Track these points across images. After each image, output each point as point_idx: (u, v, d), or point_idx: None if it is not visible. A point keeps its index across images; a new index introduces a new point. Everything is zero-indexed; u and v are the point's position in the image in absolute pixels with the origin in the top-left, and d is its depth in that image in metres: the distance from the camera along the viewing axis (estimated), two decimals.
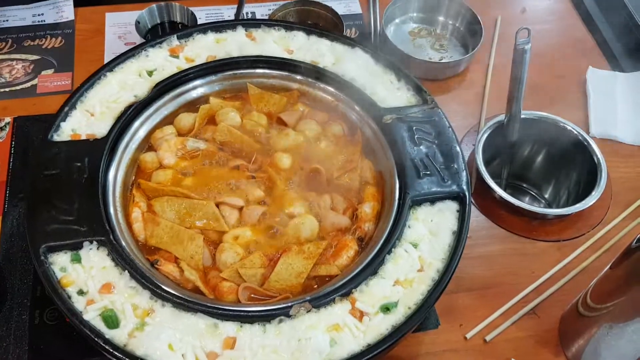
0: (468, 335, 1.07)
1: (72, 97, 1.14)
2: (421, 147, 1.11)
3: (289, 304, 0.93)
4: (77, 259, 0.95)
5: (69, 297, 0.92)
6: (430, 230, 1.03)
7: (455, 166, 1.09)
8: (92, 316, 0.90)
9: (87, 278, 0.94)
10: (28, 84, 1.35)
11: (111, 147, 1.09)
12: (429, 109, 1.17)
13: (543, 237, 1.21)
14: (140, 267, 0.96)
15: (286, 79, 1.25)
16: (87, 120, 1.12)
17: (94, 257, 0.96)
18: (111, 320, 0.90)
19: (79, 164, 1.04)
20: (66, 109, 1.12)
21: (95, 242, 0.96)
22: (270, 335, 0.90)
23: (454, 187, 1.07)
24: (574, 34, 1.60)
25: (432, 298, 0.95)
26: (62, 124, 1.11)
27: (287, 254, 1.01)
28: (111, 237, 0.97)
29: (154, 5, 1.41)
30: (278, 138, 1.17)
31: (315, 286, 1.01)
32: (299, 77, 1.24)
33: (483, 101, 1.42)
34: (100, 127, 1.11)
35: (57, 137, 1.09)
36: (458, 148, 1.12)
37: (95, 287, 0.93)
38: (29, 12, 1.49)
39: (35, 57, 1.41)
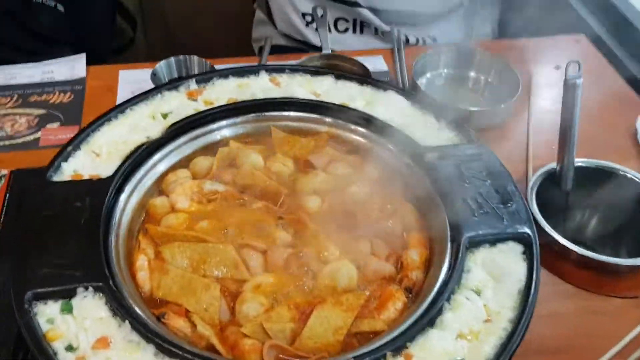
0: None
1: (77, 137, 1.02)
2: (471, 185, 0.97)
3: None
4: (68, 309, 0.78)
5: (55, 354, 0.74)
6: (492, 275, 0.86)
7: (514, 205, 0.94)
8: None
9: (79, 331, 0.76)
10: (30, 137, 1.24)
11: (117, 189, 0.95)
12: (475, 147, 1.04)
13: (617, 293, 1.03)
14: (144, 318, 0.79)
15: (314, 122, 1.13)
16: (92, 161, 0.99)
17: (89, 306, 0.79)
18: None
19: (78, 205, 0.90)
20: (69, 148, 0.99)
21: (91, 289, 0.80)
22: None
23: (517, 227, 0.91)
24: (612, 86, 1.50)
25: (508, 352, 0.76)
26: (63, 165, 0.98)
27: (322, 306, 0.84)
28: (110, 282, 0.81)
29: (172, 58, 1.33)
30: (306, 180, 1.03)
31: (358, 345, 0.82)
32: (328, 119, 1.12)
33: (528, 150, 1.29)
34: (106, 169, 0.97)
35: (56, 178, 0.96)
36: (514, 187, 0.98)
37: (88, 341, 0.75)
38: (39, 69, 1.41)
39: (41, 111, 1.31)
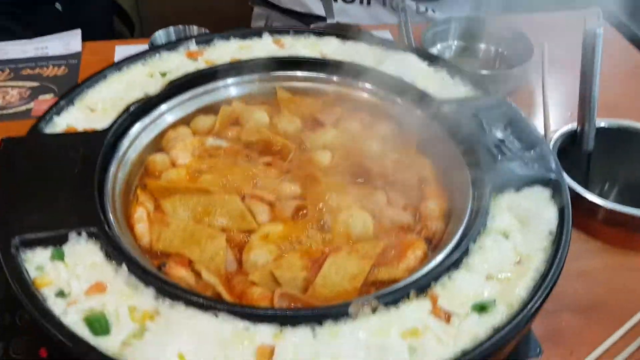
0: None
1: (70, 92, 0.95)
2: (492, 134, 0.90)
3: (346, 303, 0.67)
4: (59, 256, 0.71)
5: (44, 300, 0.67)
6: (520, 219, 0.79)
7: (539, 151, 0.88)
8: (72, 319, 0.64)
9: (71, 277, 0.69)
10: (23, 108, 1.18)
11: (113, 142, 0.89)
12: (494, 99, 0.98)
13: None
14: (143, 263, 0.72)
15: (321, 82, 1.07)
16: (87, 116, 0.93)
17: (82, 252, 0.72)
18: (99, 325, 0.64)
19: (72, 155, 0.83)
20: (62, 102, 0.93)
21: (84, 234, 0.73)
22: (322, 342, 0.64)
23: (543, 172, 0.84)
24: (628, 57, 1.45)
25: (543, 292, 0.69)
26: (56, 118, 0.91)
27: (336, 254, 0.77)
28: (106, 227, 0.74)
29: (171, 27, 1.27)
30: (315, 136, 0.97)
31: None
32: (335, 78, 1.06)
33: (545, 110, 1.22)
34: (102, 123, 0.91)
35: (48, 130, 0.89)
36: (537, 134, 0.91)
37: (80, 287, 0.68)
38: (32, 45, 1.36)
39: (34, 83, 1.25)
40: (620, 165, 1.14)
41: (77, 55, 1.33)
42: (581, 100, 1.08)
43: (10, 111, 1.17)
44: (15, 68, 1.29)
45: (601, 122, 1.13)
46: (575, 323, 0.85)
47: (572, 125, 1.12)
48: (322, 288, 0.74)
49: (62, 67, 1.28)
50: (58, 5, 1.79)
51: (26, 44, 1.36)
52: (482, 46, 1.43)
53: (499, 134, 0.90)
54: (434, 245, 0.82)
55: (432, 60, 1.07)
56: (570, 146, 1.12)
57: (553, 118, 1.22)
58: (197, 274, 0.76)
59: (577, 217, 0.98)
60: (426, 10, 1.60)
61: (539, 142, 0.89)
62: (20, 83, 1.25)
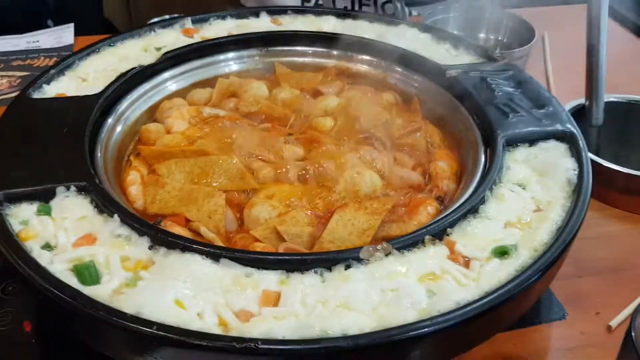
0: (613, 324, 0.73)
1: (60, 63, 0.92)
2: (502, 94, 0.87)
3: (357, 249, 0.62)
4: (45, 211, 0.66)
5: (29, 251, 0.61)
6: (536, 170, 0.75)
7: (552, 108, 0.84)
8: (59, 268, 0.59)
9: (58, 230, 0.64)
10: (12, 95, 1.13)
11: (105, 107, 0.85)
12: (501, 64, 0.95)
13: None
14: (136, 214, 0.67)
15: (321, 56, 1.04)
16: (78, 85, 0.90)
17: (70, 206, 0.67)
18: (88, 274, 0.59)
19: (61, 118, 0.79)
20: (52, 72, 0.89)
21: (73, 188, 0.68)
22: (333, 286, 0.58)
23: (558, 126, 0.80)
24: (628, 43, 1.43)
25: (568, 234, 0.64)
26: (45, 87, 0.87)
27: (344, 209, 0.72)
28: (96, 181, 0.69)
29: (166, 16, 1.24)
30: (316, 102, 0.93)
31: None
32: (336, 52, 1.03)
33: (549, 87, 1.19)
34: (93, 92, 0.87)
35: (37, 96, 0.85)
36: (548, 93, 0.88)
37: (68, 240, 0.63)
38: (23, 39, 1.33)
39: (24, 73, 1.21)
40: (630, 140, 1.10)
41: (69, 48, 1.30)
42: (588, 71, 1.05)
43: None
44: (6, 60, 1.26)
45: (610, 97, 1.09)
46: (598, 286, 0.80)
47: (580, 101, 1.09)
48: (330, 244, 0.69)
49: (54, 59, 1.25)
50: (50, 23, 1.77)
51: (17, 38, 1.33)
52: (482, 35, 1.40)
53: (509, 94, 0.87)
54: (446, 204, 0.78)
55: (435, 32, 1.04)
56: (579, 121, 1.08)
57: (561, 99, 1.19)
58: (195, 233, 0.71)
59: (594, 186, 0.95)
60: (418, 14, 1.58)
61: (549, 101, 0.86)
62: (10, 73, 1.21)
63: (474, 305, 0.56)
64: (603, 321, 0.74)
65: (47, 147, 0.74)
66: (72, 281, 0.58)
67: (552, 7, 1.58)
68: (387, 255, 0.61)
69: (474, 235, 0.65)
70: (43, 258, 0.60)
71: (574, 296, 0.77)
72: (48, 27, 1.61)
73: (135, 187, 0.77)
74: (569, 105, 1.08)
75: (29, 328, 0.72)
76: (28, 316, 0.72)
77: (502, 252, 0.63)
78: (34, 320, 0.72)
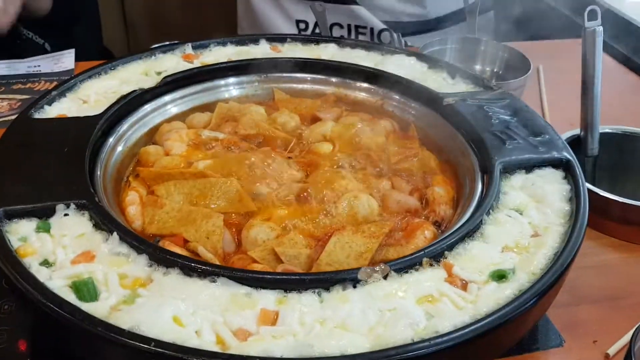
0: (610, 352, 0.73)
1: (62, 85, 0.92)
2: (498, 122, 0.88)
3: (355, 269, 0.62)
4: (44, 228, 0.66)
5: (28, 267, 0.61)
6: (533, 197, 0.76)
7: (548, 137, 0.85)
8: (57, 285, 0.59)
9: (56, 247, 0.64)
10: (12, 117, 1.14)
11: (105, 128, 0.85)
12: (497, 93, 0.96)
13: None
14: (134, 232, 0.67)
15: (320, 83, 1.05)
16: (79, 106, 0.90)
17: (69, 224, 0.67)
18: (86, 290, 0.58)
19: (62, 137, 0.80)
20: (53, 93, 0.90)
21: (73, 206, 0.68)
22: (331, 306, 0.58)
23: (554, 154, 0.82)
24: (623, 78, 1.45)
25: (566, 258, 0.64)
26: (47, 107, 0.88)
27: (342, 232, 0.73)
28: (95, 199, 0.69)
29: (167, 43, 1.26)
30: (315, 127, 0.94)
31: None
32: (334, 79, 1.05)
33: (544, 118, 1.20)
34: (93, 113, 0.87)
35: (38, 116, 0.86)
36: (544, 122, 0.89)
37: (67, 257, 0.63)
38: (24, 64, 1.34)
39: (24, 96, 1.22)
40: (625, 171, 1.12)
41: (69, 72, 1.31)
42: (583, 102, 1.06)
43: (0, 120, 1.13)
44: (7, 83, 1.27)
45: (605, 128, 1.11)
46: (595, 315, 0.80)
47: (576, 131, 1.10)
48: (327, 266, 0.69)
49: (54, 83, 1.26)
50: (47, 46, 1.79)
51: (18, 63, 1.34)
52: (478, 67, 1.42)
53: (505, 122, 0.88)
54: (442, 230, 0.78)
55: (432, 62, 1.06)
56: (574, 152, 1.09)
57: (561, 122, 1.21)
58: (193, 253, 0.71)
59: (590, 215, 0.95)
60: (411, 46, 1.61)
61: (546, 129, 0.87)
62: (10, 96, 1.22)
63: (473, 327, 0.56)
64: (600, 349, 0.74)
65: (47, 165, 0.74)
66: (70, 297, 0.58)
67: (547, 41, 1.61)
68: (385, 276, 0.61)
69: (472, 259, 0.65)
70: (41, 274, 0.60)
71: (571, 324, 0.77)
72: (45, 49, 1.63)
73: (133, 207, 0.77)
74: (564, 135, 1.10)
75: (24, 347, 0.71)
76: (23, 335, 0.72)
77: (500, 276, 0.63)
78: (29, 339, 0.71)
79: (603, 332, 0.76)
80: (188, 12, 2.35)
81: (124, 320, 0.55)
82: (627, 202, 0.94)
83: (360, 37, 1.61)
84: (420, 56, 1.08)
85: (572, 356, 0.73)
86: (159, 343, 0.52)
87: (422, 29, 1.62)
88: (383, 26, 1.53)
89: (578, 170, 0.78)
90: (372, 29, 1.56)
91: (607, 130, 1.11)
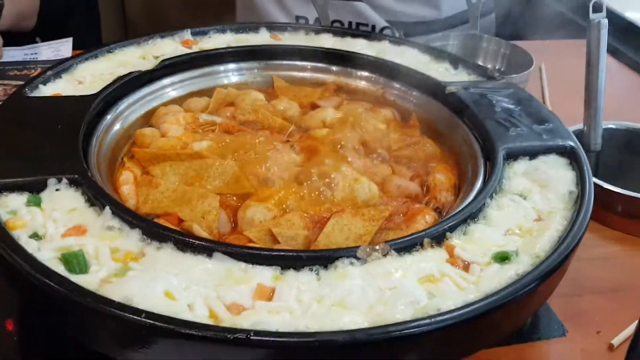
0: (614, 342, 0.71)
1: (57, 66, 0.91)
2: (501, 110, 0.87)
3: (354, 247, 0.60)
4: (35, 202, 0.64)
5: (17, 239, 0.59)
6: (537, 182, 0.74)
7: (552, 125, 0.84)
8: (47, 256, 0.57)
9: (47, 220, 0.62)
10: None
11: (100, 108, 0.84)
12: (500, 82, 0.95)
13: None
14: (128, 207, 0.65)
15: (320, 71, 1.03)
16: (75, 87, 0.88)
17: (61, 198, 0.65)
18: (76, 262, 0.56)
19: (56, 115, 0.78)
20: (49, 73, 0.88)
21: (65, 181, 0.66)
22: (329, 284, 0.56)
23: (558, 141, 0.80)
24: (626, 79, 1.44)
25: (571, 242, 0.63)
26: (42, 87, 0.86)
27: (341, 215, 0.71)
28: (89, 174, 0.67)
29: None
30: (315, 115, 0.92)
31: None
32: (335, 67, 1.03)
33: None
34: (89, 93, 0.86)
35: (33, 94, 0.84)
36: (548, 111, 0.88)
37: (57, 230, 0.61)
38: (21, 52, 1.32)
39: (20, 82, 1.20)
40: (628, 167, 1.10)
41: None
42: (587, 95, 1.05)
43: None
44: (3, 69, 1.25)
45: (609, 124, 1.10)
46: (598, 305, 0.78)
47: (579, 126, 1.09)
48: (325, 248, 0.67)
49: None
50: (38, 40, 1.77)
51: (15, 50, 1.33)
52: (480, 63, 1.41)
53: (509, 110, 0.86)
54: (444, 216, 0.76)
55: (433, 52, 1.04)
56: None
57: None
58: (188, 232, 0.69)
59: (593, 208, 0.94)
60: None
61: (550, 117, 0.85)
62: (6, 82, 1.21)
63: (475, 306, 0.54)
64: (604, 339, 0.72)
65: (40, 141, 0.72)
66: (60, 269, 0.56)
67: (550, 41, 1.60)
68: (384, 255, 0.59)
69: (474, 241, 0.63)
70: (30, 246, 0.58)
71: (574, 314, 0.76)
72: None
73: (127, 186, 0.75)
74: None
75: (10, 326, 0.69)
76: (10, 315, 0.70)
77: (502, 258, 0.61)
78: (16, 319, 0.69)
79: (606, 323, 0.75)
80: (187, 10, 2.35)
81: (115, 292, 0.53)
82: (630, 194, 0.92)
83: None
84: (422, 47, 1.06)
85: (575, 346, 0.72)
86: (150, 314, 0.50)
87: (423, 30, 1.60)
88: (384, 24, 1.51)
89: (583, 157, 0.77)
90: (373, 27, 1.54)
91: (610, 126, 1.10)
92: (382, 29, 1.55)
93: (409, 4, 1.55)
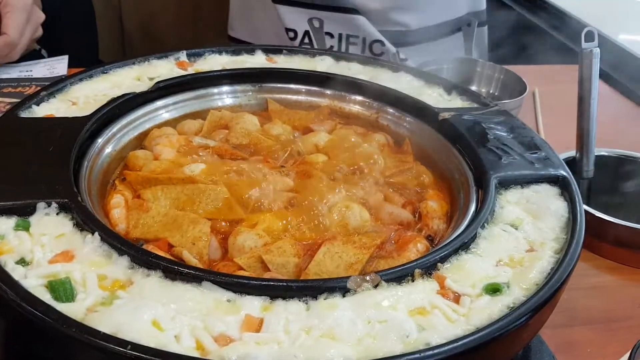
0: None
1: (51, 86, 0.91)
2: (494, 138, 0.87)
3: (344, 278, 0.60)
4: (24, 226, 0.64)
5: (3, 265, 0.58)
6: (529, 212, 0.74)
7: (544, 153, 0.84)
8: (33, 284, 0.56)
9: (35, 246, 0.62)
10: None
11: (93, 130, 0.83)
12: (494, 110, 0.95)
13: None
14: (117, 233, 0.64)
15: (314, 95, 1.04)
16: (68, 108, 0.88)
17: (50, 223, 0.64)
18: (62, 291, 0.56)
19: (48, 137, 0.77)
20: (42, 93, 0.88)
21: (54, 205, 0.66)
22: (318, 315, 0.56)
23: (550, 170, 0.80)
24: (617, 104, 1.45)
25: (562, 273, 0.62)
26: (35, 107, 0.86)
27: (332, 242, 0.70)
28: (78, 198, 0.67)
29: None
30: (308, 138, 0.92)
31: None
32: (329, 91, 1.03)
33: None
34: (82, 115, 0.85)
35: (25, 115, 0.84)
36: (541, 139, 0.88)
37: (44, 256, 0.61)
38: (16, 69, 1.32)
39: (14, 100, 1.20)
40: (620, 195, 1.10)
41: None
42: (579, 123, 1.06)
43: None
44: None
45: (601, 151, 1.10)
46: (590, 337, 0.78)
47: (571, 152, 1.09)
48: (316, 276, 0.67)
49: None
50: (44, 52, 1.78)
51: (10, 67, 1.33)
52: (474, 87, 1.42)
53: (501, 138, 0.87)
54: (435, 244, 0.76)
55: (428, 77, 1.05)
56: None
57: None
58: (177, 259, 0.68)
59: (585, 236, 0.94)
60: (406, 59, 1.59)
61: (542, 146, 0.86)
62: (0, 99, 1.20)
63: (466, 340, 0.53)
64: None
65: (31, 163, 0.72)
66: (46, 297, 0.55)
67: (543, 66, 1.61)
68: (375, 286, 0.59)
69: (465, 272, 0.63)
70: (17, 272, 0.57)
71: (566, 346, 0.75)
72: (42, 55, 1.61)
73: (118, 210, 0.74)
74: (560, 157, 1.09)
75: None
76: None
77: (494, 289, 0.61)
78: (1, 345, 0.68)
79: (598, 354, 0.75)
80: (183, 20, 2.36)
81: (101, 321, 0.52)
82: (622, 223, 0.92)
83: (351, 47, 1.58)
84: (416, 72, 1.07)
85: None
86: (135, 346, 0.49)
87: (416, 39, 1.60)
88: (375, 37, 1.51)
89: (574, 186, 0.77)
90: (364, 39, 1.54)
91: (602, 153, 1.10)
92: (372, 42, 1.55)
93: (401, 12, 1.55)
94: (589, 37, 1.01)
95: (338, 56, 1.11)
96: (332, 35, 1.53)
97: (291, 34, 1.53)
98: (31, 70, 1.33)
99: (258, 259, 0.68)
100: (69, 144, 0.76)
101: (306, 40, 1.52)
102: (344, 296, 0.58)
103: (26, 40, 1.26)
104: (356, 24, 1.49)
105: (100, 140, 0.84)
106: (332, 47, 1.54)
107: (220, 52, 1.09)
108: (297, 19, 1.51)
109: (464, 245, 0.66)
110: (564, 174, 0.79)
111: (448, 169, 0.87)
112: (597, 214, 0.94)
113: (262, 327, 0.55)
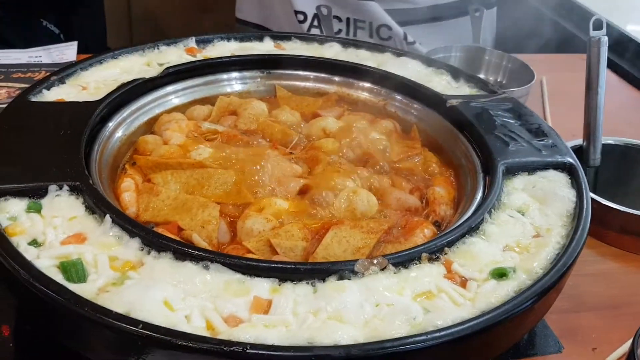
0: None
1: (62, 71, 0.91)
2: (501, 124, 0.87)
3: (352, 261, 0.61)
4: (35, 208, 0.65)
5: (16, 246, 0.59)
6: (536, 198, 0.75)
7: (551, 140, 0.84)
8: (45, 264, 0.57)
9: (47, 227, 0.63)
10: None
11: (104, 115, 0.84)
12: (501, 98, 0.95)
13: None
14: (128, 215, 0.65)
15: (322, 81, 1.04)
16: (78, 92, 0.89)
17: (61, 205, 0.65)
18: (74, 271, 0.57)
19: (59, 121, 0.78)
20: (53, 78, 0.89)
21: (66, 188, 0.66)
22: (325, 297, 0.57)
23: (557, 157, 0.80)
24: (625, 94, 1.45)
25: (568, 259, 0.63)
26: (45, 92, 0.87)
27: (339, 227, 0.71)
28: (90, 181, 0.68)
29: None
30: (317, 123, 0.93)
31: None
32: (337, 78, 1.04)
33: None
34: (92, 99, 0.86)
35: (35, 99, 0.84)
36: (548, 126, 0.88)
37: (56, 237, 0.61)
38: (26, 54, 1.33)
39: (24, 85, 1.21)
40: (627, 183, 1.10)
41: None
42: (587, 111, 1.05)
43: None
44: (7, 72, 1.25)
45: (608, 140, 1.10)
46: (595, 322, 0.78)
47: (578, 141, 1.09)
48: (323, 260, 0.67)
49: None
50: (55, 29, 1.79)
51: (20, 52, 1.34)
52: (482, 76, 1.41)
53: (509, 125, 0.87)
54: (442, 230, 0.76)
55: (435, 64, 1.05)
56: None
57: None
58: (187, 241, 0.69)
59: (591, 224, 0.94)
60: (414, 42, 1.58)
61: (549, 133, 0.86)
62: (9, 84, 1.21)
63: (472, 323, 0.54)
64: (600, 357, 0.72)
65: (42, 147, 0.73)
66: (58, 277, 0.56)
67: (551, 54, 1.60)
68: (382, 269, 0.60)
69: (472, 256, 0.64)
70: (29, 253, 0.59)
71: (571, 331, 0.76)
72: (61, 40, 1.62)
73: (128, 193, 0.75)
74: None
75: (7, 332, 0.69)
76: (6, 320, 0.70)
77: (500, 274, 0.62)
78: (12, 325, 0.69)
79: (602, 340, 0.75)
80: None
81: (112, 301, 0.53)
82: (627, 211, 0.92)
83: (359, 32, 1.57)
84: (424, 59, 1.07)
85: None
86: (147, 325, 0.50)
87: (423, 17, 1.59)
88: (382, 22, 1.50)
89: (581, 173, 0.77)
90: (370, 24, 1.53)
91: (609, 142, 1.10)
92: (379, 26, 1.54)
93: None
94: (597, 25, 1.01)
95: (346, 43, 1.11)
96: (340, 19, 1.52)
97: (300, 17, 1.52)
98: (40, 56, 1.33)
99: (266, 242, 0.69)
100: (80, 127, 0.77)
101: (315, 23, 1.51)
102: (351, 279, 0.58)
103: None
104: (365, 9, 1.49)
105: (110, 125, 0.84)
106: (340, 30, 1.53)
107: (228, 39, 1.09)
108: (306, 2, 1.51)
109: (471, 230, 0.67)
110: (571, 161, 0.79)
111: (455, 155, 0.88)
112: (603, 202, 0.94)
113: (270, 309, 0.55)
